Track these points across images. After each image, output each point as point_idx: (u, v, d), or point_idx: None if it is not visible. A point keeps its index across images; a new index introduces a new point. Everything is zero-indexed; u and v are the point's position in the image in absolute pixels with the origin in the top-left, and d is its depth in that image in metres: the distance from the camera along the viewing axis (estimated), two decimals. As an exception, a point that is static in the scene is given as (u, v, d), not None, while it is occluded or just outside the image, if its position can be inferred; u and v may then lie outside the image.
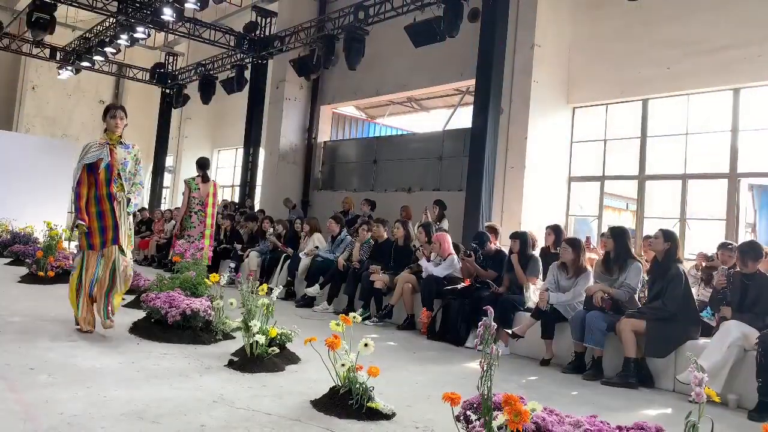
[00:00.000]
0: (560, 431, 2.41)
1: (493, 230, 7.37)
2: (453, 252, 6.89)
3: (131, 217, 5.06)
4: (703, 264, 6.14)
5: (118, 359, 4.09)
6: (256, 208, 13.94)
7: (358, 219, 9.95)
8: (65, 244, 9.02)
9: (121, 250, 4.86)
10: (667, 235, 5.07)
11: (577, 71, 10.00)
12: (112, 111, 4.96)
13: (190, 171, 20.53)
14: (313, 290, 7.93)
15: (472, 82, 9.80)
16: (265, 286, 4.61)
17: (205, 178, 7.74)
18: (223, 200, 15.26)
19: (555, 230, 6.75)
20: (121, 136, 4.96)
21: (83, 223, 4.73)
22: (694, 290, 5.65)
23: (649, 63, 8.99)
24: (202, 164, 7.82)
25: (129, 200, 4.91)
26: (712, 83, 8.47)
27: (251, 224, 10.39)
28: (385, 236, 7.80)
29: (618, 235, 5.37)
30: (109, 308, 4.87)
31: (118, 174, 4.85)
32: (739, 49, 8.07)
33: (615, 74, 9.43)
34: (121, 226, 4.85)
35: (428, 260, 6.89)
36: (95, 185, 4.83)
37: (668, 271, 4.92)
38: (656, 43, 8.94)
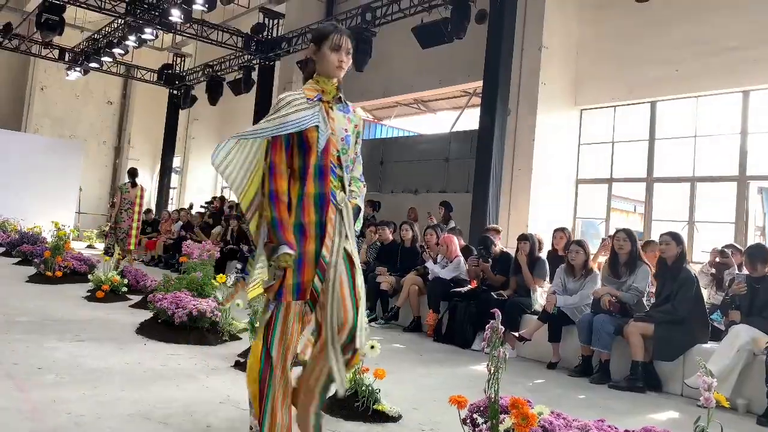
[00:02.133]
0: (568, 435, 2.38)
1: (497, 232, 7.37)
2: (460, 254, 6.87)
3: (352, 243, 2.52)
4: (717, 259, 6.07)
5: (125, 359, 4.10)
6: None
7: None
8: (73, 244, 9.10)
9: (355, 308, 2.46)
10: (677, 239, 5.04)
11: (584, 73, 9.96)
12: (336, 37, 2.47)
13: (198, 172, 20.58)
14: (319, 291, 7.91)
15: (479, 83, 9.78)
16: (271, 287, 4.59)
17: (133, 184, 9.36)
18: (230, 202, 15.28)
19: (567, 233, 6.74)
20: (339, 88, 2.54)
21: (292, 252, 2.34)
22: (705, 294, 5.60)
23: (658, 64, 8.94)
24: (132, 173, 9.53)
25: (359, 209, 2.59)
26: (722, 85, 8.42)
27: (258, 225, 10.40)
28: (391, 238, 7.78)
29: (633, 237, 5.34)
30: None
31: (338, 158, 2.48)
32: (748, 51, 8.01)
33: (623, 76, 9.38)
34: (354, 257, 2.52)
35: (435, 262, 6.88)
36: (299, 177, 2.44)
37: (679, 274, 4.88)
38: (665, 45, 8.89)
